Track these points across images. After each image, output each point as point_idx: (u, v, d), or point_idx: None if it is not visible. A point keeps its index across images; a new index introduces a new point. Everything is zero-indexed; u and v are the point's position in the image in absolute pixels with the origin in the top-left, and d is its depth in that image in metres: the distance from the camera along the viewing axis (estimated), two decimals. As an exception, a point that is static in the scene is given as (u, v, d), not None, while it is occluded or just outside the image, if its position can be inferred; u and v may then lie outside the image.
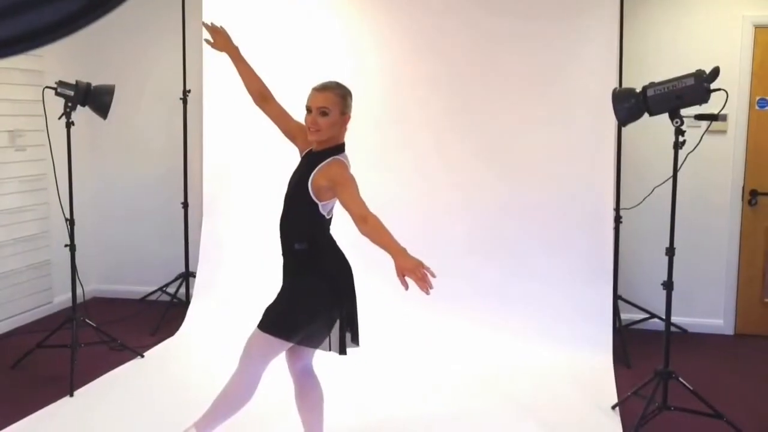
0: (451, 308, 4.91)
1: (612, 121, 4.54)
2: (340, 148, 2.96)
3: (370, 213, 2.67)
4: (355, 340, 3.05)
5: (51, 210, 5.39)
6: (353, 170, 2.93)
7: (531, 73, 4.91)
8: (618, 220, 4.98)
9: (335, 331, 2.99)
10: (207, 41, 3.31)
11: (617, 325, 4.90)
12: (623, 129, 4.83)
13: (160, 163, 5.96)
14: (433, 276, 2.47)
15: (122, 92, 5.80)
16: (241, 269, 5.29)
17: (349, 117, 2.95)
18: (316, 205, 2.87)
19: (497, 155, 5.00)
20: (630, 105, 3.46)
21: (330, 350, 3.02)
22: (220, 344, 4.75)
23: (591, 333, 4.72)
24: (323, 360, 3.18)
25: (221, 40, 3.27)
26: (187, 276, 5.61)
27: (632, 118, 3.53)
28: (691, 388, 3.63)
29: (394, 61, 5.11)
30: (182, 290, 5.63)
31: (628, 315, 5.19)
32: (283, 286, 3.04)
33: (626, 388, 4.06)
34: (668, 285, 3.53)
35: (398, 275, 2.50)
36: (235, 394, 2.93)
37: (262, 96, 3.20)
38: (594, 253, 4.85)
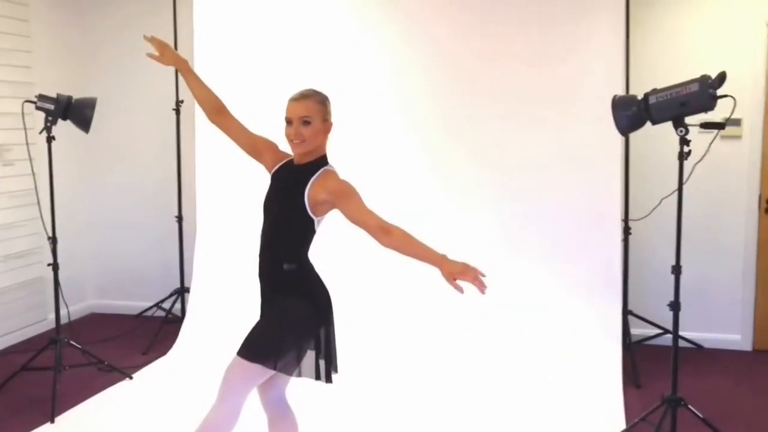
0: (449, 323, 4.72)
1: (618, 127, 4.33)
2: (325, 159, 2.79)
3: (391, 223, 2.58)
4: (334, 366, 2.88)
5: (42, 226, 5.27)
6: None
7: (535, 78, 4.70)
8: (627, 231, 4.76)
9: (318, 359, 2.82)
10: (151, 56, 3.13)
11: (627, 341, 4.67)
12: (630, 135, 4.61)
13: (155, 176, 5.85)
14: (483, 275, 2.45)
15: (114, 104, 5.75)
16: (236, 285, 5.12)
17: (331, 124, 2.79)
18: (312, 221, 2.72)
19: (500, 163, 4.81)
20: (631, 113, 3.24)
21: (317, 379, 2.84)
22: (212, 365, 4.53)
23: (599, 351, 4.49)
24: (300, 389, 3.00)
25: (168, 53, 3.11)
26: (182, 292, 5.46)
27: (633, 127, 3.31)
28: (701, 416, 3.39)
29: (397, 60, 4.95)
30: (178, 306, 5.49)
31: (641, 330, 4.96)
32: (264, 310, 2.87)
33: (635, 411, 3.83)
34: (675, 306, 3.29)
35: (449, 281, 2.47)
36: (216, 426, 2.75)
37: (216, 110, 3.02)
38: (601, 266, 4.63)
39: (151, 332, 5.22)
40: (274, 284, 2.82)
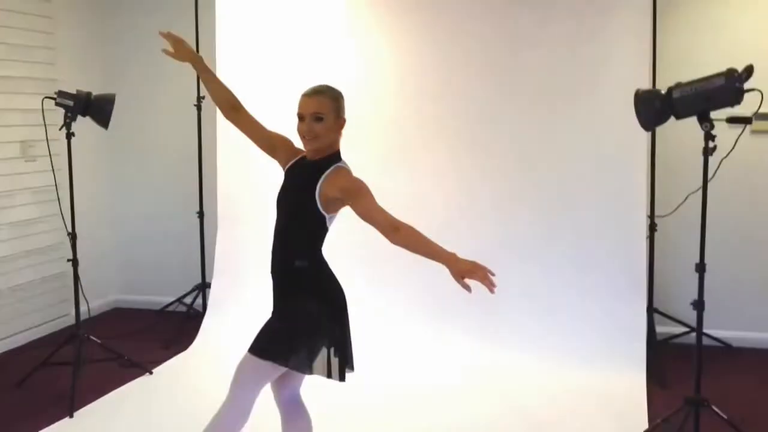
0: (470, 321, 4.65)
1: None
2: (338, 156, 2.75)
3: (400, 221, 2.53)
4: (350, 365, 2.84)
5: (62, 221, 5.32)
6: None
7: (559, 74, 4.62)
8: (653, 227, 4.66)
9: (330, 357, 2.78)
10: (166, 51, 3.11)
11: (652, 339, 4.56)
12: (657, 129, 4.50)
13: (176, 172, 5.87)
14: (492, 274, 2.39)
15: (136, 100, 5.76)
16: (256, 281, 5.07)
17: (344, 120, 2.75)
18: (324, 218, 2.68)
19: (523, 158, 4.74)
20: (654, 108, 3.15)
21: (329, 377, 2.80)
22: (233, 360, 4.50)
23: (622, 349, 4.39)
24: (314, 386, 2.97)
25: (183, 49, 3.08)
26: (203, 287, 5.47)
27: (656, 122, 3.22)
28: (725, 417, 3.30)
29: (413, 60, 4.90)
30: (199, 301, 5.49)
31: (667, 328, 4.86)
32: (276, 307, 2.86)
33: (659, 411, 3.74)
34: (699, 305, 3.20)
35: (457, 279, 2.41)
36: (226, 424, 2.73)
37: (231, 106, 2.99)
38: (626, 263, 4.53)
39: (172, 327, 5.23)
40: (286, 281, 2.80)
